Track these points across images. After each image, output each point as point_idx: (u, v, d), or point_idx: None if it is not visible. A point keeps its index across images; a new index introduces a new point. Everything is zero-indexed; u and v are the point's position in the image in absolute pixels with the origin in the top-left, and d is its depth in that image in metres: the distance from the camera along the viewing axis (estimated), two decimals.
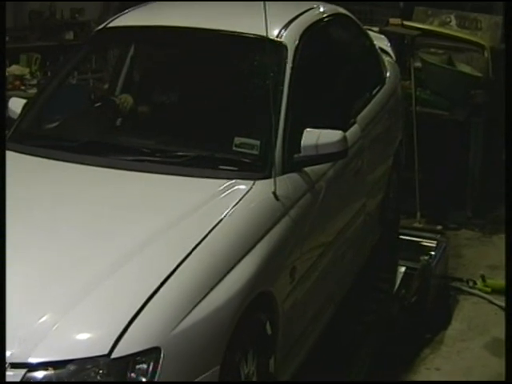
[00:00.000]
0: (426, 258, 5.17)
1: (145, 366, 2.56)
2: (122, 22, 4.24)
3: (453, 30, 7.21)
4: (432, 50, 7.05)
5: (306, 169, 3.57)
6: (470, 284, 5.40)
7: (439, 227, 6.21)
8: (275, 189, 3.33)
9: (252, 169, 3.43)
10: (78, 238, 3.02)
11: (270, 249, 3.16)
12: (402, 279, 4.94)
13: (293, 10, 4.24)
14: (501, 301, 5.01)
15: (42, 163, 3.58)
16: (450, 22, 7.34)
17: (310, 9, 4.38)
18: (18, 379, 2.51)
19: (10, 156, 3.57)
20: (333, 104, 4.20)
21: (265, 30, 3.40)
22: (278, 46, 3.80)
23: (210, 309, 2.76)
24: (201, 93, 4.03)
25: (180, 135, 3.75)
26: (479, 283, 5.37)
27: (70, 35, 9.57)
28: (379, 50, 5.34)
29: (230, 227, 3.10)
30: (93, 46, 4.62)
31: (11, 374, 2.51)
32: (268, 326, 3.16)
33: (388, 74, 5.23)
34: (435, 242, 5.44)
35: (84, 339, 2.59)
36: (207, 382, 2.73)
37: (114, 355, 2.54)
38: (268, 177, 3.38)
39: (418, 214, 6.22)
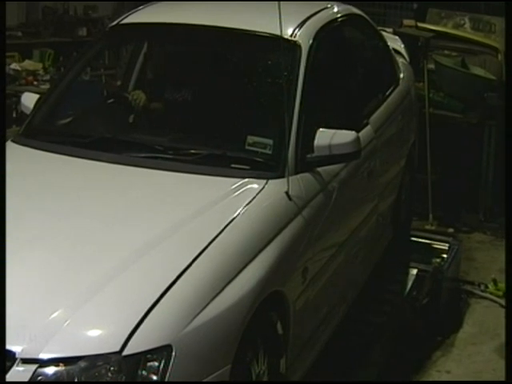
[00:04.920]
0: (438, 260, 5.17)
1: (156, 363, 2.55)
2: (136, 19, 4.23)
3: (467, 32, 7.19)
4: (446, 52, 7.03)
5: (318, 169, 3.55)
6: (482, 287, 5.39)
7: (451, 230, 6.20)
8: (288, 188, 3.31)
9: (265, 168, 3.40)
10: (89, 234, 3.01)
11: (282, 249, 3.14)
12: (414, 281, 4.93)
13: (307, 9, 4.22)
14: None
15: (54, 159, 3.56)
16: (464, 24, 7.32)
17: (325, 8, 4.36)
18: (28, 375, 2.50)
19: (23, 151, 3.57)
20: (346, 104, 4.18)
21: (279, 28, 3.39)
22: (291, 45, 3.77)
23: (221, 307, 2.75)
24: (214, 91, 4.01)
25: (193, 133, 3.73)
26: (491, 287, 5.35)
27: (83, 31, 9.60)
28: (393, 51, 5.32)
29: (243, 226, 3.08)
30: (106, 42, 4.63)
31: (22, 370, 2.50)
32: (279, 326, 3.15)
33: (401, 76, 5.21)
34: (447, 244, 5.42)
35: (95, 336, 2.58)
36: (218, 382, 2.71)
37: (125, 352, 2.53)
38: (281, 176, 3.35)
39: (431, 216, 6.20)
